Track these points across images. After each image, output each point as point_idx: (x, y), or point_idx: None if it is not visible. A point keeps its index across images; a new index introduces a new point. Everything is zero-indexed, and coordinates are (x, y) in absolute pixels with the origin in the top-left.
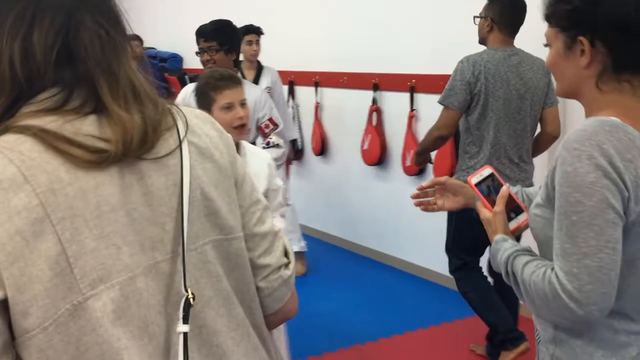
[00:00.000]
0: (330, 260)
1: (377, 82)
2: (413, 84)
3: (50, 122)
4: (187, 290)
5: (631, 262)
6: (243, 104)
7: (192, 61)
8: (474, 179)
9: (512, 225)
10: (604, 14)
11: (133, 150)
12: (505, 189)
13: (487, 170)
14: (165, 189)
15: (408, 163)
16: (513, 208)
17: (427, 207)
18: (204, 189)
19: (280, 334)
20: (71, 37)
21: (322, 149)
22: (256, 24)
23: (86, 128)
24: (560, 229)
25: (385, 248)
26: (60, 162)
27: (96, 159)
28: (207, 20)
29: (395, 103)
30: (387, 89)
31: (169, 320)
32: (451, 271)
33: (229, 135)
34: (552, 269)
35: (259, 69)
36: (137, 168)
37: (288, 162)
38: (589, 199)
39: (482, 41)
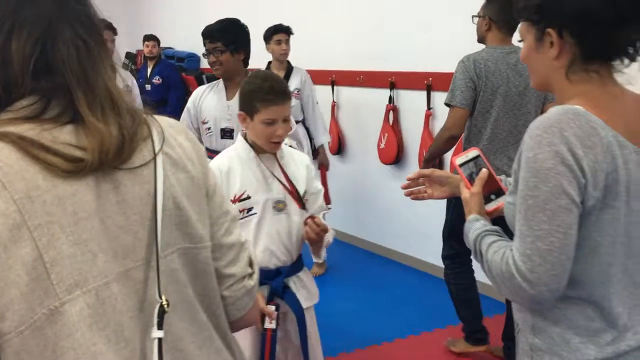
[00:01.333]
0: (346, 260)
1: (393, 81)
2: (430, 82)
3: (28, 130)
4: (161, 297)
5: (594, 249)
6: (286, 120)
7: None
8: (459, 159)
9: (491, 206)
10: (569, 5)
11: (109, 160)
12: (485, 171)
13: (473, 152)
14: (139, 198)
15: None
16: (494, 190)
17: (417, 196)
18: (176, 198)
19: (313, 338)
20: (49, 47)
21: (339, 148)
22: (271, 22)
23: (64, 137)
24: (519, 212)
25: (402, 248)
26: (38, 170)
27: (73, 168)
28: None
29: (412, 101)
30: (404, 87)
31: (141, 325)
32: (443, 257)
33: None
34: (511, 249)
35: (289, 69)
36: (113, 177)
37: (324, 169)
38: (545, 184)
39: (481, 40)
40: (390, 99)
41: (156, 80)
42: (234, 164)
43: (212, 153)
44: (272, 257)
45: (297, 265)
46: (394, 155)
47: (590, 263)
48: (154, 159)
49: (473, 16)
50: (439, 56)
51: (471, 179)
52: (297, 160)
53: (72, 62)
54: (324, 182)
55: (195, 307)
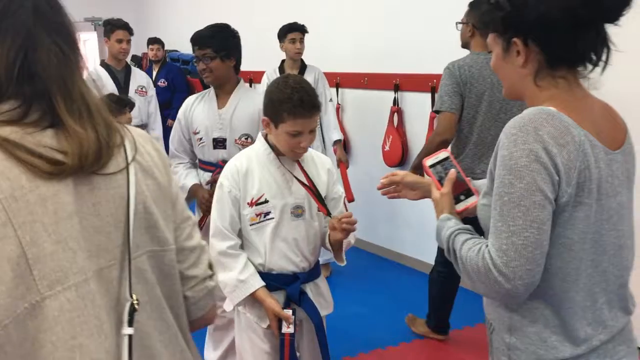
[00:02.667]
0: (351, 263)
1: (398, 83)
2: (434, 84)
3: (11, 133)
4: (132, 296)
5: (568, 246)
6: (312, 131)
7: None
8: (429, 161)
9: (460, 206)
10: (531, 15)
11: (88, 165)
12: (454, 171)
13: (443, 154)
14: (112, 202)
15: None
16: (463, 191)
17: (392, 195)
18: (146, 203)
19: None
20: (30, 55)
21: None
22: (276, 25)
23: (45, 140)
24: (495, 209)
25: (407, 251)
26: (22, 171)
27: (55, 170)
28: (231, 22)
29: (416, 103)
30: (409, 89)
31: (112, 322)
32: (436, 261)
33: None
34: (487, 245)
35: (302, 67)
36: (89, 180)
37: (343, 166)
38: (520, 181)
39: (464, 45)
40: (395, 101)
41: (161, 83)
42: (253, 166)
43: (204, 165)
44: (289, 263)
45: (314, 272)
46: (399, 158)
47: (564, 259)
48: (127, 166)
49: (457, 23)
50: (443, 58)
51: (441, 180)
52: (318, 164)
53: (52, 69)
54: (345, 178)
55: (162, 307)
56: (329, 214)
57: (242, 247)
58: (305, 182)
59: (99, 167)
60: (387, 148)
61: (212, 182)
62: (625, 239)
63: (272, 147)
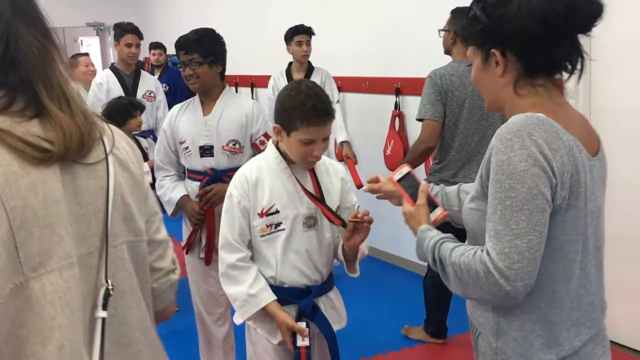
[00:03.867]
0: None
1: (399, 87)
2: None
3: (1, 122)
4: (107, 282)
5: (560, 247)
6: (325, 139)
7: None
8: (396, 175)
9: (432, 217)
10: (507, 27)
11: (72, 154)
12: (425, 184)
13: (405, 169)
14: (93, 192)
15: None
16: (430, 204)
17: (378, 197)
18: (123, 194)
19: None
20: (12, 44)
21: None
22: (278, 28)
23: (33, 130)
24: (495, 213)
25: (409, 255)
26: (13, 157)
27: (43, 157)
28: (232, 27)
29: (418, 107)
30: (410, 93)
31: (89, 307)
32: (428, 266)
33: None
34: (482, 250)
35: (309, 70)
36: (72, 170)
37: (351, 161)
38: (522, 185)
39: (447, 52)
40: (396, 105)
41: (163, 87)
42: (263, 175)
43: (192, 174)
44: (301, 275)
45: (327, 284)
46: (401, 162)
47: (555, 260)
48: (106, 157)
49: (439, 30)
50: (444, 62)
51: (413, 195)
52: (331, 172)
53: (33, 58)
54: (352, 168)
55: (139, 296)
56: (343, 224)
57: (252, 259)
58: (314, 193)
59: (80, 157)
60: (388, 152)
61: (202, 196)
62: (602, 241)
63: (284, 155)
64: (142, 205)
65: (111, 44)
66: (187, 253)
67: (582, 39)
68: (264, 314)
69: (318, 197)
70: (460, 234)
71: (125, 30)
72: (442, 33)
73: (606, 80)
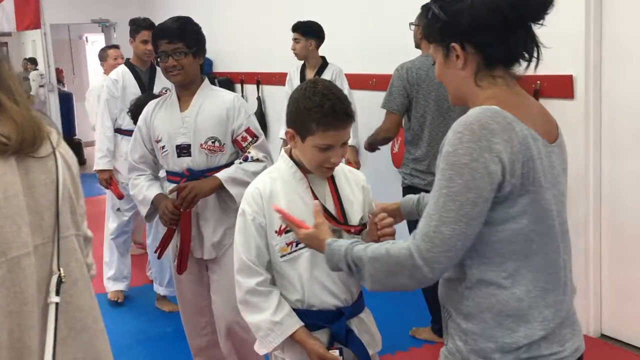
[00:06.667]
0: None
1: None
2: None
3: None
4: (59, 269)
5: (517, 231)
6: (344, 143)
7: (222, 65)
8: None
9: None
10: (464, 20)
11: (26, 146)
12: (318, 202)
13: None
14: (44, 185)
15: None
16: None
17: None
18: (69, 189)
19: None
20: None
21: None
22: (284, 26)
23: None
24: (432, 198)
25: None
26: None
27: (1, 150)
28: (235, 24)
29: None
30: None
31: (43, 294)
32: None
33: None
34: (402, 240)
35: (322, 66)
36: (25, 163)
37: (352, 165)
38: (460, 177)
39: (417, 46)
40: None
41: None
42: (277, 188)
43: (171, 176)
44: (330, 296)
45: (359, 304)
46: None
47: (518, 243)
48: (54, 152)
49: (410, 24)
50: None
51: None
52: (351, 181)
53: None
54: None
55: (90, 285)
56: (363, 227)
57: (273, 282)
58: (334, 206)
59: (33, 150)
60: (395, 150)
61: (176, 190)
62: (567, 225)
63: (298, 164)
64: (80, 202)
65: (116, 41)
66: (159, 257)
67: (592, 37)
68: (292, 342)
69: (337, 217)
70: None
71: (141, 27)
72: (413, 27)
73: (617, 76)
